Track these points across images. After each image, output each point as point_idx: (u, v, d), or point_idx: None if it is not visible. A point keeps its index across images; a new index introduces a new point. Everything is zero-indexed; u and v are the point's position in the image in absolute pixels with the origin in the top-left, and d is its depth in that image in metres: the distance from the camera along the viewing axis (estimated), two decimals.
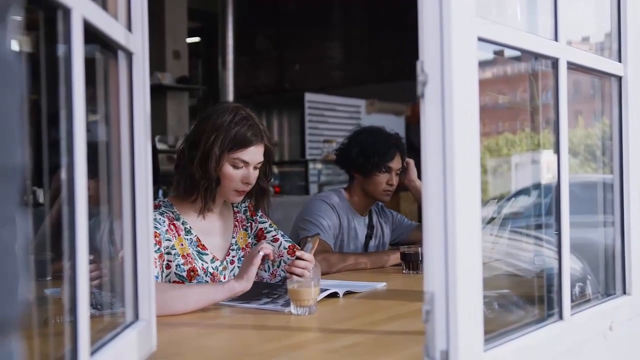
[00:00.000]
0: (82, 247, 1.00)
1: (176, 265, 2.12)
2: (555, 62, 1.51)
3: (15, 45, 0.61)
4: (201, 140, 2.14)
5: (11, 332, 0.59)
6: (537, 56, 1.56)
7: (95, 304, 1.28)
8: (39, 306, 1.39)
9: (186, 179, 2.17)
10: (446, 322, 1.16)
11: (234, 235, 2.32)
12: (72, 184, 0.99)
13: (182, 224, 2.20)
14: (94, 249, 1.09)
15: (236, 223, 2.34)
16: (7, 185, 0.57)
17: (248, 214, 2.39)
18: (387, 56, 9.19)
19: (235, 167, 2.16)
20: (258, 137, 2.17)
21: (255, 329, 1.73)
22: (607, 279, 1.86)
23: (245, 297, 2.00)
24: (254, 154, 2.18)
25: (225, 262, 2.26)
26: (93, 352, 1.08)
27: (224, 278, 2.23)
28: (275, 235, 2.37)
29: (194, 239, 2.20)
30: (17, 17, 0.61)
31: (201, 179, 2.14)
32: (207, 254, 2.21)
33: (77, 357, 0.99)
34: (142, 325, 1.35)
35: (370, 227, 3.13)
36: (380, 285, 2.34)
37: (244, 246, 2.34)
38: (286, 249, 2.33)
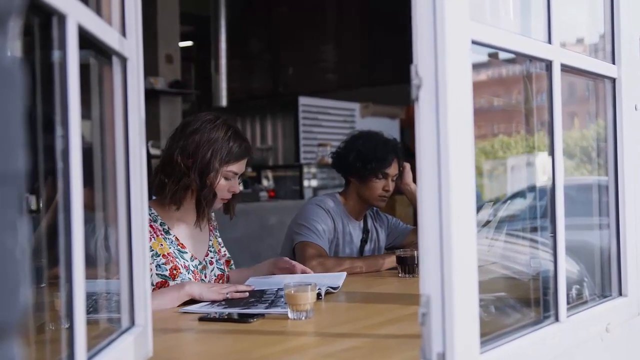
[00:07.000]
0: (78, 254, 1.00)
1: (157, 266, 2.20)
2: (549, 65, 1.51)
3: (15, 51, 0.61)
4: (197, 153, 2.23)
5: (12, 337, 0.59)
6: (531, 58, 1.56)
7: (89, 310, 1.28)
8: (33, 313, 1.38)
9: (181, 189, 2.25)
10: (442, 325, 1.16)
11: (210, 238, 2.45)
12: (67, 190, 0.98)
13: (161, 225, 2.28)
14: (89, 255, 1.09)
15: (211, 228, 2.48)
16: (10, 191, 0.58)
17: (215, 223, 2.52)
18: (381, 59, 9.20)
19: (226, 178, 2.30)
20: (249, 150, 2.34)
21: (252, 333, 1.73)
22: (603, 280, 1.86)
23: (244, 304, 2.00)
24: (243, 165, 2.34)
25: (204, 262, 2.37)
26: (89, 358, 1.07)
27: (205, 277, 2.35)
28: (226, 253, 2.52)
29: (173, 238, 2.29)
30: (17, 24, 0.61)
31: (201, 190, 2.25)
32: (187, 252, 2.31)
33: None
34: (138, 331, 1.35)
35: (366, 231, 3.13)
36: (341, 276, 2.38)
37: (218, 250, 2.46)
38: (215, 276, 2.42)
